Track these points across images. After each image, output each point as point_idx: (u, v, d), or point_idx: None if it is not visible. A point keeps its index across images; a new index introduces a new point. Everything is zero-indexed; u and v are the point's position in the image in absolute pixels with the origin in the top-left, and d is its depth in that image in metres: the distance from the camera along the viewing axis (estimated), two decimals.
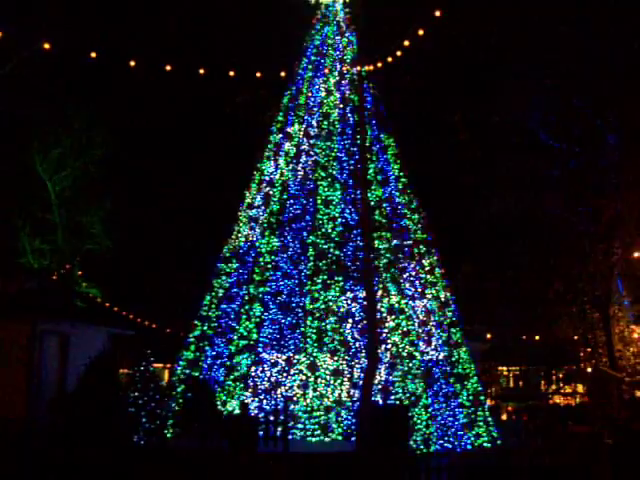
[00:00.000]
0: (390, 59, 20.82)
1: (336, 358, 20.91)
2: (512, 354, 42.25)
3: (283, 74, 24.40)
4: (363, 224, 21.87)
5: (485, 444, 21.89)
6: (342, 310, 21.63)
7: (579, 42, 30.09)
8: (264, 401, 20.40)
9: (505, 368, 45.66)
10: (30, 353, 19.60)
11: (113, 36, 33.82)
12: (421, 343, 22.16)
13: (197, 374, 21.88)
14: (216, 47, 37.43)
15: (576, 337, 37.43)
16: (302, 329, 21.30)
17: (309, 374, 20.61)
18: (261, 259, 22.92)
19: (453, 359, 22.81)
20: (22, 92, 31.66)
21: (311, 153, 24.02)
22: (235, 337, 21.88)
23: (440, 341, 22.75)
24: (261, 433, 18.51)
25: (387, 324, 21.79)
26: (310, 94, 25.14)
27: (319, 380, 20.52)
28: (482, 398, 23.30)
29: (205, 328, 22.86)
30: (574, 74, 30.85)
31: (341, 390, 20.46)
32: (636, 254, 31.98)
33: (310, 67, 25.77)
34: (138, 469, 15.14)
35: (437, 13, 18.23)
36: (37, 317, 19.85)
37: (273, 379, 20.75)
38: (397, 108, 27.11)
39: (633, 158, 30.63)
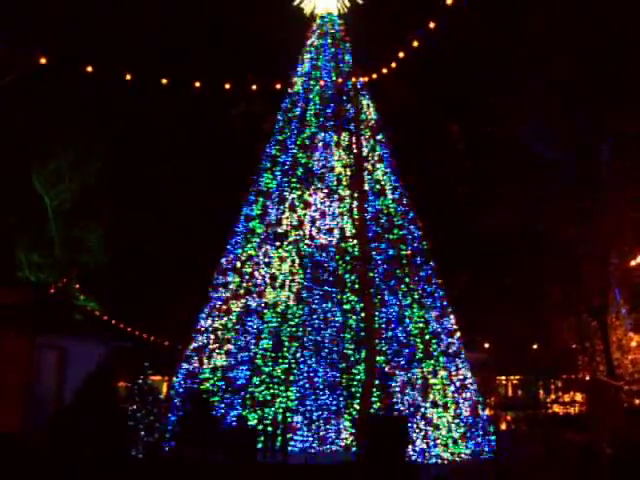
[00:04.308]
0: (385, 71, 20.95)
1: (334, 369, 20.89)
2: (510, 363, 42.22)
3: (278, 86, 24.52)
4: (360, 235, 21.93)
5: (484, 454, 21.83)
6: (340, 321, 21.64)
7: (576, 55, 30.24)
8: (263, 413, 20.35)
9: (503, 377, 45.62)
10: (28, 367, 19.52)
11: (109, 50, 33.96)
12: (419, 353, 22.15)
13: (195, 386, 21.82)
14: (211, 60, 37.63)
15: (574, 346, 37.44)
16: (300, 341, 21.29)
17: (307, 385, 20.59)
18: (258, 271, 22.94)
19: (451, 369, 22.79)
20: (20, 105, 31.76)
21: (308, 165, 24.07)
22: (233, 349, 21.87)
23: (438, 351, 22.74)
24: (260, 445, 18.48)
25: (385, 335, 21.79)
26: (305, 105, 25.22)
27: (317, 391, 20.49)
28: (481, 408, 23.26)
29: (203, 340, 22.84)
30: (571, 87, 30.98)
31: (339, 401, 20.44)
32: (633, 262, 31.98)
33: (305, 78, 25.86)
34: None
35: (431, 25, 18.34)
36: (35, 331, 19.78)
37: (271, 391, 20.71)
38: (393, 119, 27.24)
39: (628, 170, 30.73)
